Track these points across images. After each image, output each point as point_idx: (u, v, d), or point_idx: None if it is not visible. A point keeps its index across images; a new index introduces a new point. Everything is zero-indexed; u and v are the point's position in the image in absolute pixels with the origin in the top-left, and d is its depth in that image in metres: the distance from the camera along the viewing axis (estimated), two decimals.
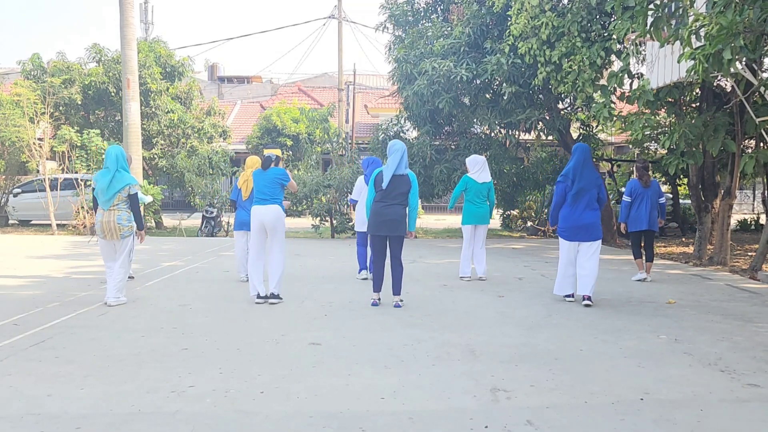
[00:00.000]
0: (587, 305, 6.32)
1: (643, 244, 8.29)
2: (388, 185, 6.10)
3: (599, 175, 6.55)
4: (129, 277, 7.80)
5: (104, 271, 8.43)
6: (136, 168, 14.97)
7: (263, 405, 3.47)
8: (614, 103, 9.74)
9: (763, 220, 17.59)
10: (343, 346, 4.71)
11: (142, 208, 7.46)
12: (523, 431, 3.15)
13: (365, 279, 7.91)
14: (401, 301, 6.27)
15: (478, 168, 8.01)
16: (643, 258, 8.26)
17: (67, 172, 15.63)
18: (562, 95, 12.80)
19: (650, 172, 8.58)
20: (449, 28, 13.17)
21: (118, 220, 6.10)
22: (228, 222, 15.29)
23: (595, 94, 10.17)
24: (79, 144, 15.42)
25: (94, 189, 6.19)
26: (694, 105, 10.78)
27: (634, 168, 9.43)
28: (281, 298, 6.43)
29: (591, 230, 6.41)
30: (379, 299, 6.32)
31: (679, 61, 6.99)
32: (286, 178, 6.47)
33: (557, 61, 10.23)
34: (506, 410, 3.42)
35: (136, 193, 6.20)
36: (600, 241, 6.49)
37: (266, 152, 6.64)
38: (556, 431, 3.16)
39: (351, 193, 9.25)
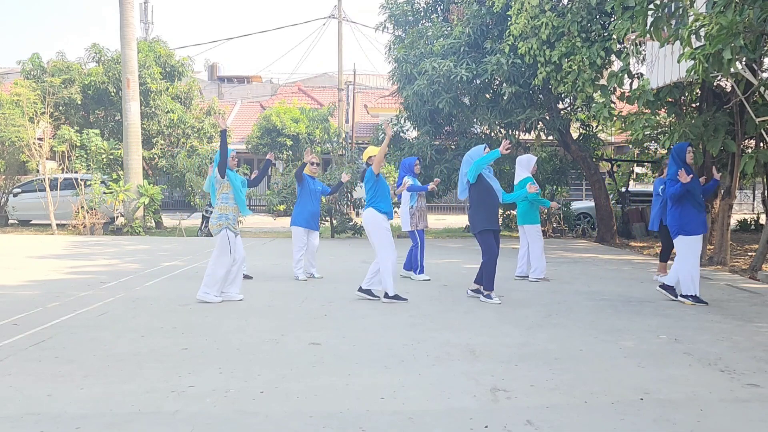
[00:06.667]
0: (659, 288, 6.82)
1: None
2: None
3: (662, 179, 6.71)
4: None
5: (103, 271, 8.49)
6: (136, 168, 14.97)
7: (263, 405, 3.47)
8: (614, 103, 9.74)
9: (763, 220, 17.58)
10: (343, 346, 4.71)
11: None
12: (523, 431, 3.15)
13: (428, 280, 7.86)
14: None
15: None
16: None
17: (66, 172, 15.64)
18: (562, 95, 12.80)
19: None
20: (449, 28, 13.16)
21: None
22: None
23: (595, 94, 10.17)
24: (78, 144, 15.41)
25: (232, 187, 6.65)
26: (694, 105, 10.78)
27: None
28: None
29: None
30: None
31: (679, 61, 6.99)
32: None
33: (557, 61, 10.23)
34: (506, 410, 3.43)
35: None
36: (676, 240, 6.49)
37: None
38: (556, 431, 3.16)
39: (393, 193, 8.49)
